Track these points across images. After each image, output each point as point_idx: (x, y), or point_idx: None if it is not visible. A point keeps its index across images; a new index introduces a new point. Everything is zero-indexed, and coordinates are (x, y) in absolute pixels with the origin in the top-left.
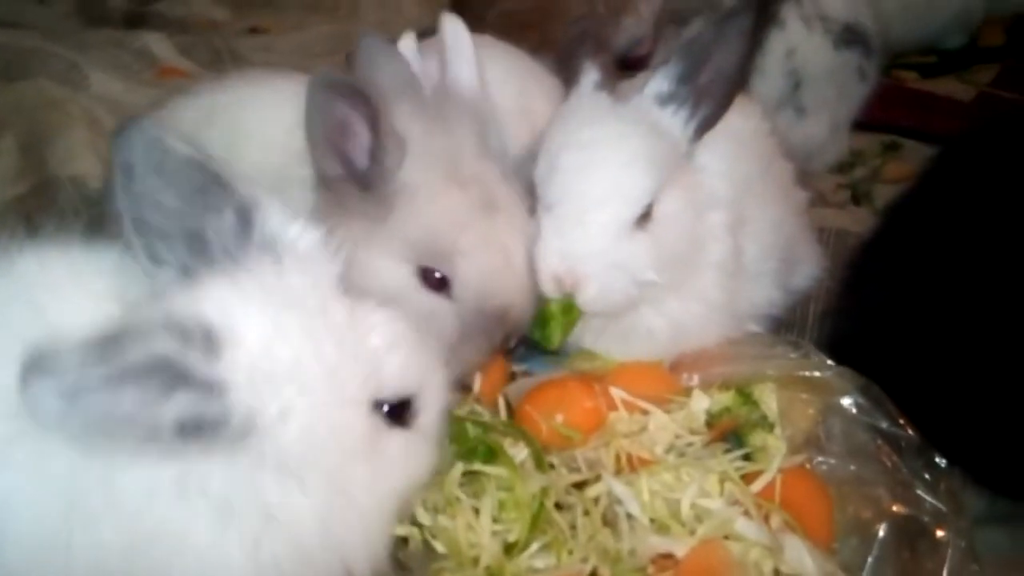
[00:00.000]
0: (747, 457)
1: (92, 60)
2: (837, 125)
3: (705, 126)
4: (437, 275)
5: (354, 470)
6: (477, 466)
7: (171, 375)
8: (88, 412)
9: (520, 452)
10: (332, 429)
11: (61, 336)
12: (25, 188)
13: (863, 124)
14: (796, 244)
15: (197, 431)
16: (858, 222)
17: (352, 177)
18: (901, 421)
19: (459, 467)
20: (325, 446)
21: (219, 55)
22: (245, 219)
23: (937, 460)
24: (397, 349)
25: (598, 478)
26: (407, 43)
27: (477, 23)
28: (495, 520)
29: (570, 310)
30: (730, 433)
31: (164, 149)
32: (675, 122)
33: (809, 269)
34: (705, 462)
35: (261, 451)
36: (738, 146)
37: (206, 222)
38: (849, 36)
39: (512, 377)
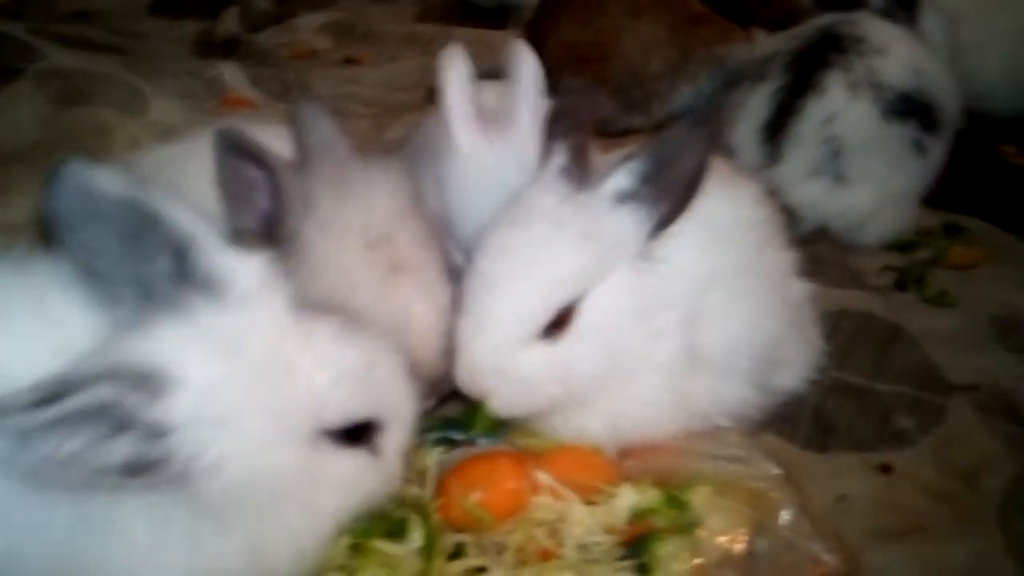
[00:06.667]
0: (645, 567)
1: (160, 87)
2: (889, 200)
3: (662, 225)
4: None
5: (288, 505)
6: (356, 539)
7: (115, 419)
8: (35, 453)
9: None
10: (265, 472)
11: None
12: None
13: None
14: (781, 342)
15: (142, 471)
16: (890, 308)
17: (263, 231)
18: (837, 545)
19: (345, 539)
20: (257, 488)
21: (288, 87)
22: (180, 260)
23: None
24: (344, 378)
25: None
26: (456, 53)
27: (540, 52)
28: None
29: None
30: (642, 537)
31: (94, 194)
32: (630, 221)
33: (797, 369)
34: (589, 568)
35: (197, 491)
36: (712, 237)
37: (144, 269)
38: (904, 107)
39: (453, 445)
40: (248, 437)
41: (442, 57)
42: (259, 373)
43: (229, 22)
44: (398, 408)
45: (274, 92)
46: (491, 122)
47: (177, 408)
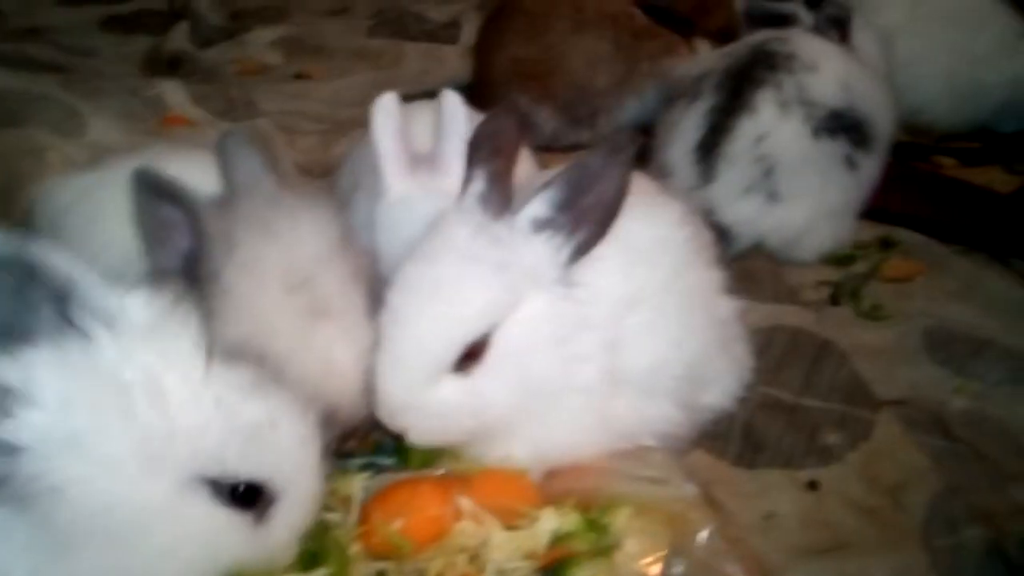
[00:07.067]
0: None
1: (99, 107)
2: (823, 215)
3: (581, 251)
4: None
5: (147, 543)
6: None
7: None
8: None
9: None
10: (121, 502)
11: None
12: None
13: (871, 214)
14: (707, 361)
15: None
16: (823, 323)
17: (183, 271)
18: (754, 566)
19: None
20: (112, 518)
21: (233, 104)
22: (62, 307)
23: None
24: (235, 428)
25: None
26: (389, 101)
27: (487, 68)
28: None
29: None
30: (560, 561)
31: None
32: (546, 249)
33: (725, 387)
34: None
35: (44, 512)
36: (632, 258)
37: (28, 319)
38: (835, 124)
39: (380, 470)
40: (105, 464)
41: (375, 105)
42: (127, 403)
43: (178, 38)
44: (296, 481)
45: (218, 110)
46: (424, 167)
47: (28, 428)
